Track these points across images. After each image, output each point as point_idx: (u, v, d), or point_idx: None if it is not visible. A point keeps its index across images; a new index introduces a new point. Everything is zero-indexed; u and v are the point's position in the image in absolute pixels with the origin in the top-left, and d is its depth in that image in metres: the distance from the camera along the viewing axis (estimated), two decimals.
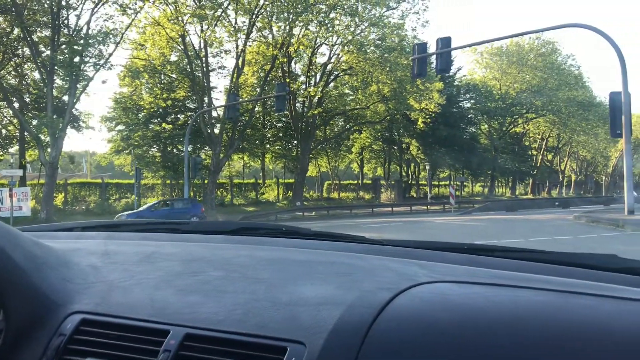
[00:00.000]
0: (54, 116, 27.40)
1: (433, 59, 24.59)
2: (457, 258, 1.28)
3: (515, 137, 64.49)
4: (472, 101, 57.75)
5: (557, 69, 58.39)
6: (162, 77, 39.14)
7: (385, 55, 35.64)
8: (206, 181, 35.93)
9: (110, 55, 30.50)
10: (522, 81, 58.58)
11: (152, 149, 40.52)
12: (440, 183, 62.11)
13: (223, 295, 1.13)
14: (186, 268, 1.30)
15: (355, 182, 56.47)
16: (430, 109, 40.20)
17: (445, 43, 20.32)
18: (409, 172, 57.56)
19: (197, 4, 32.05)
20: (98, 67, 28.14)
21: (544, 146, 68.66)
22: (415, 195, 53.92)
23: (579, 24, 21.51)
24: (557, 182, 77.07)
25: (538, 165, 68.17)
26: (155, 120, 39.98)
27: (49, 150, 27.47)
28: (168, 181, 38.58)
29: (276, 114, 40.68)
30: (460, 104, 55.62)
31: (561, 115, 58.58)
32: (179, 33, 32.74)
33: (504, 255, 1.33)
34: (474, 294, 1.03)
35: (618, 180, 76.94)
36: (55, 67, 27.47)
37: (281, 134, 47.41)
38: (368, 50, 36.65)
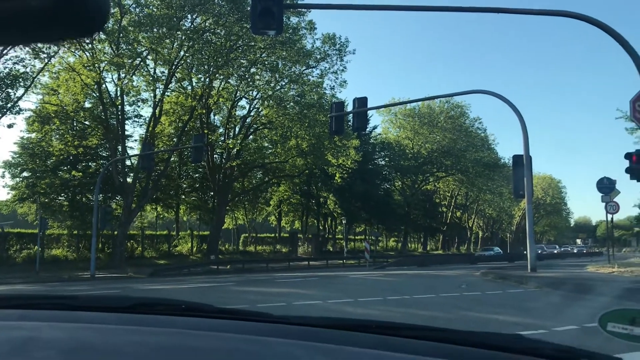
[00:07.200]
0: None
1: (350, 116, 25.36)
2: (367, 340, 1.24)
3: (426, 195, 67.05)
4: (386, 159, 59.94)
5: (465, 131, 61.80)
6: (75, 124, 37.77)
7: (304, 111, 36.38)
8: (116, 232, 34.49)
9: (19, 99, 29.20)
10: (433, 141, 61.42)
11: (60, 198, 38.56)
12: (356, 237, 62.98)
13: None
14: None
15: (273, 235, 56.19)
16: (347, 165, 41.15)
17: (361, 103, 20.98)
18: (326, 226, 58.13)
19: (115, 52, 31.50)
20: (5, 111, 26.81)
21: (453, 203, 71.73)
22: (331, 250, 54.31)
23: (483, 90, 22.99)
24: (466, 239, 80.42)
25: (448, 222, 71.05)
26: (65, 168, 38.26)
27: None
28: (75, 232, 36.68)
29: (193, 164, 40.12)
30: (375, 161, 57.55)
31: (469, 174, 61.71)
32: (95, 80, 31.93)
33: (407, 335, 1.30)
34: None
35: (521, 238, 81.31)
36: None
37: (197, 185, 46.65)
38: (287, 106, 37.28)
